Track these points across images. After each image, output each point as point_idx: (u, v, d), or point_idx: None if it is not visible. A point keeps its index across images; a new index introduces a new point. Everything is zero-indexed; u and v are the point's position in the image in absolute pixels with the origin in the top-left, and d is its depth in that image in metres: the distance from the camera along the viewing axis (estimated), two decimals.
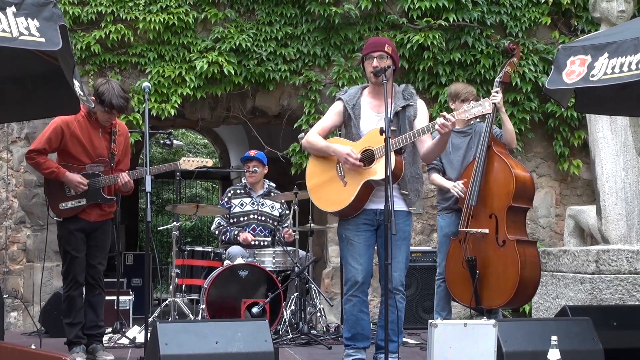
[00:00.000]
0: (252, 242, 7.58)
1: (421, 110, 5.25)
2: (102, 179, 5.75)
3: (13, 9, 3.88)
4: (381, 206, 4.98)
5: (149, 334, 4.88)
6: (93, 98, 5.58)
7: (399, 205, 5.07)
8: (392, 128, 4.80)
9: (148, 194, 5.02)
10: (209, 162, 6.33)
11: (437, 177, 6.38)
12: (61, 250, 5.81)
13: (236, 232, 7.65)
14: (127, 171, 5.84)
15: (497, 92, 6.00)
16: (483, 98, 5.13)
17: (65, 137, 5.67)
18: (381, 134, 4.71)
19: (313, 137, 5.23)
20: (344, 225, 5.19)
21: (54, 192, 5.74)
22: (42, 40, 3.92)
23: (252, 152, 7.92)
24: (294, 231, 7.52)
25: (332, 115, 5.29)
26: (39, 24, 3.94)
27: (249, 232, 7.65)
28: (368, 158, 5.02)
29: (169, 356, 4.24)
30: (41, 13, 3.97)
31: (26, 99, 5.01)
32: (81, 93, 4.81)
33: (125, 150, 6.01)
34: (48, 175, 5.72)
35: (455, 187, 6.09)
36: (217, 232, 7.85)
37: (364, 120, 5.17)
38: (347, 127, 5.25)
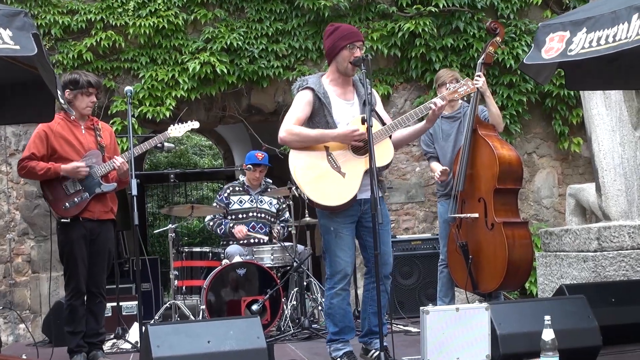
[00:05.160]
0: (248, 233, 7.58)
1: (378, 97, 5.31)
2: (97, 168, 5.73)
3: None
4: (364, 196, 4.99)
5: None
6: (68, 91, 5.69)
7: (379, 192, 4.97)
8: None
9: (134, 197, 5.00)
10: (196, 124, 6.28)
11: (435, 165, 6.37)
12: (63, 258, 5.77)
13: (231, 225, 7.63)
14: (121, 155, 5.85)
15: (479, 75, 5.98)
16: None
17: (50, 139, 5.67)
18: (363, 123, 4.69)
19: (297, 129, 5.03)
20: (331, 217, 5.08)
21: (54, 194, 5.70)
22: (17, 47, 3.94)
23: (259, 156, 7.82)
24: (283, 227, 7.62)
25: (304, 105, 5.09)
26: (12, 33, 3.95)
27: (248, 229, 7.65)
28: (361, 146, 4.98)
29: (161, 358, 4.21)
30: (13, 23, 3.97)
31: (3, 105, 5.05)
32: (62, 101, 4.83)
33: (113, 147, 6.02)
34: (44, 175, 5.65)
35: (437, 173, 6.13)
36: (211, 224, 7.78)
37: (335, 108, 5.10)
38: (316, 116, 5.10)
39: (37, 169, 5.65)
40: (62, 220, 5.67)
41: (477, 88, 5.87)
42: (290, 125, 5.06)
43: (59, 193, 5.70)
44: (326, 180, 5.00)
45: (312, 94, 5.10)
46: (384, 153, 4.97)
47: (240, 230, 7.54)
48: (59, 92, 4.69)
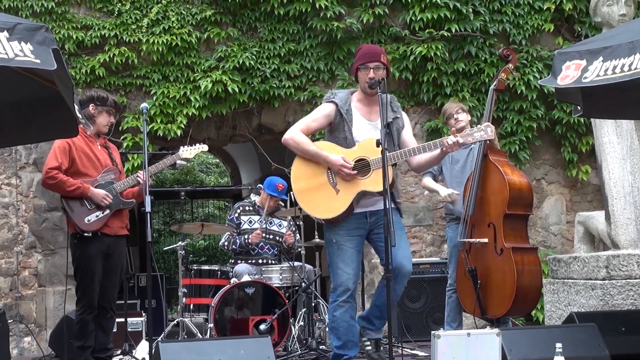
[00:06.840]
0: (264, 234, 7.62)
1: (407, 122, 5.34)
2: (117, 185, 5.81)
3: (5, 34, 3.92)
4: (372, 208, 5.07)
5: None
6: (93, 106, 5.79)
7: (394, 212, 4.99)
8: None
9: (148, 214, 5.01)
10: (205, 147, 6.39)
11: (428, 181, 6.43)
12: (78, 272, 5.77)
13: (245, 237, 7.60)
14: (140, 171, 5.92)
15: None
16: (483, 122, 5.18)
17: (72, 152, 5.70)
18: (378, 146, 4.71)
19: (300, 137, 5.15)
20: (334, 229, 5.13)
21: (75, 209, 5.70)
22: (38, 61, 3.96)
23: (280, 186, 7.76)
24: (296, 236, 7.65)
25: (320, 117, 5.21)
26: (33, 47, 3.97)
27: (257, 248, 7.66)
28: (362, 168, 5.02)
29: None
30: (34, 37, 4.00)
31: (25, 123, 5.04)
32: (80, 116, 4.85)
33: (121, 166, 6.12)
34: (72, 192, 5.66)
35: (447, 194, 6.12)
36: (226, 244, 7.72)
37: (356, 126, 5.14)
38: (335, 131, 5.18)
39: (67, 184, 5.66)
40: (85, 234, 5.67)
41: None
42: (297, 132, 5.20)
43: (81, 207, 5.71)
44: (319, 192, 5.11)
45: (334, 108, 5.17)
46: (378, 180, 4.86)
47: (254, 236, 7.53)
48: (76, 107, 4.72)
